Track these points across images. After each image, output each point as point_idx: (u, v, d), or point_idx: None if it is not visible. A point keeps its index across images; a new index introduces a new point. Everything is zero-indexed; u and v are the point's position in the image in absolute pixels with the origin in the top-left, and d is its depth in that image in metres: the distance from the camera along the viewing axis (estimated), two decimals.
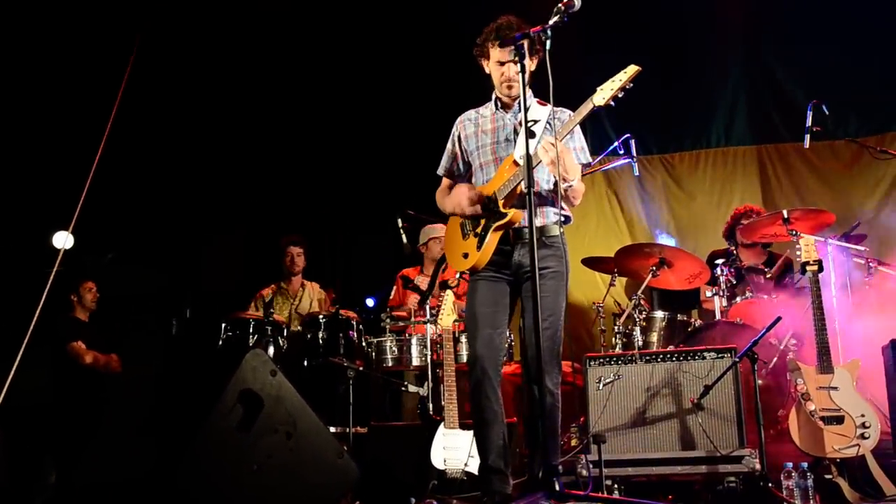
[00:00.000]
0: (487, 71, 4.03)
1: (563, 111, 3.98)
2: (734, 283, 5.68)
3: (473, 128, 4.10)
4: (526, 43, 3.58)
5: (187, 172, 7.00)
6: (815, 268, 4.65)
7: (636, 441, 4.58)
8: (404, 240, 5.46)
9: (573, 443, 5.06)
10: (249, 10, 6.71)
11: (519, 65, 3.57)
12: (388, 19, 7.07)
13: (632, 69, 3.64)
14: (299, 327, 6.00)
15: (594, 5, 3.55)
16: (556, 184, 3.72)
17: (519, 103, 3.75)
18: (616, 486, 4.46)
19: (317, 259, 7.05)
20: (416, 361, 5.64)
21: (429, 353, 5.44)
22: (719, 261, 5.71)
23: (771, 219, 5.43)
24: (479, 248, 3.88)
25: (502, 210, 3.83)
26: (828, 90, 5.57)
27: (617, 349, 5.42)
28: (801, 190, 6.75)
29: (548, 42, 3.50)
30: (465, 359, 5.39)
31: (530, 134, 3.65)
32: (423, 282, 5.99)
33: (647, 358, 4.74)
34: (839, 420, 4.35)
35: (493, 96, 4.09)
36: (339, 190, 7.30)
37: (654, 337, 5.61)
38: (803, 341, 5.16)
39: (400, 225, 5.45)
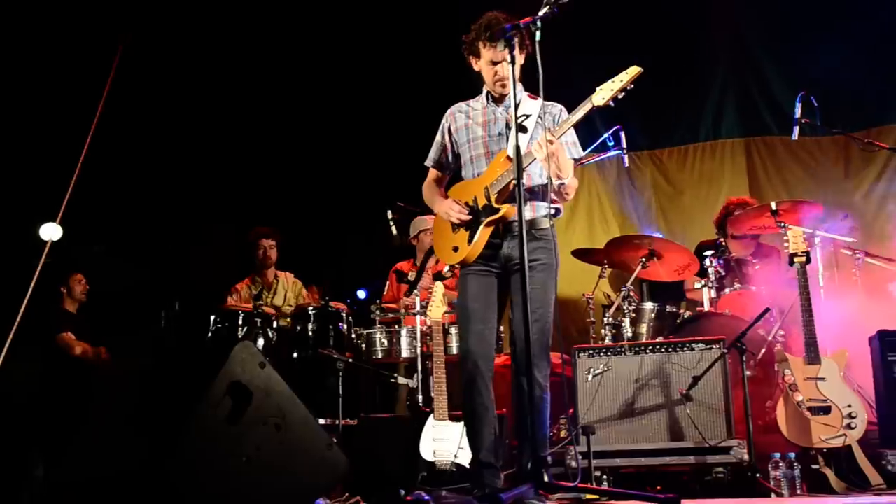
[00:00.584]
0: (477, 69, 4.00)
1: (554, 105, 3.99)
2: (723, 274, 5.69)
3: (465, 120, 4.09)
4: (516, 37, 3.58)
5: (178, 164, 6.96)
6: (803, 259, 4.67)
7: (625, 432, 4.60)
8: (394, 232, 5.47)
9: (562, 434, 5.08)
10: (239, 3, 6.69)
11: (509, 56, 3.56)
12: (375, 9, 7.05)
13: (633, 70, 3.63)
14: (288, 320, 5.99)
15: (584, 2, 3.54)
16: (549, 179, 3.73)
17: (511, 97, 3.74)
18: (605, 477, 4.49)
19: (306, 252, 7.03)
20: (405, 353, 5.65)
21: (419, 344, 5.44)
22: (708, 252, 5.73)
23: (759, 210, 5.45)
24: (469, 242, 3.89)
25: (495, 205, 3.84)
26: (816, 84, 5.58)
27: (607, 341, 5.43)
28: (788, 182, 6.78)
29: (538, 34, 3.49)
30: (454, 350, 5.40)
31: (522, 129, 3.65)
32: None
33: (636, 349, 4.75)
34: (826, 410, 4.38)
35: (484, 90, 4.08)
36: (329, 182, 7.28)
37: (644, 328, 5.62)
38: (791, 332, 5.18)
39: (389, 217, 5.46)
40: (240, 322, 5.72)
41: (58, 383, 5.92)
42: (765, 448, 4.36)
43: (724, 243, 5.98)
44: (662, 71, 6.65)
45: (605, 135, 5.71)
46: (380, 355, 5.73)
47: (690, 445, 4.45)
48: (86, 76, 5.65)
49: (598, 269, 6.00)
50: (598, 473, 4.45)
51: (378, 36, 7.11)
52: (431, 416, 4.79)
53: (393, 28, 7.07)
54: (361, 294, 6.36)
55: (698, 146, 7.06)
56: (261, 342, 5.70)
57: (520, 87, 3.93)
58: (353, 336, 5.82)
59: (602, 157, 5.99)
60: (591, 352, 4.81)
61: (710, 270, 5.61)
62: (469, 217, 3.90)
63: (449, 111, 4.17)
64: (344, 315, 5.81)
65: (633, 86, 3.62)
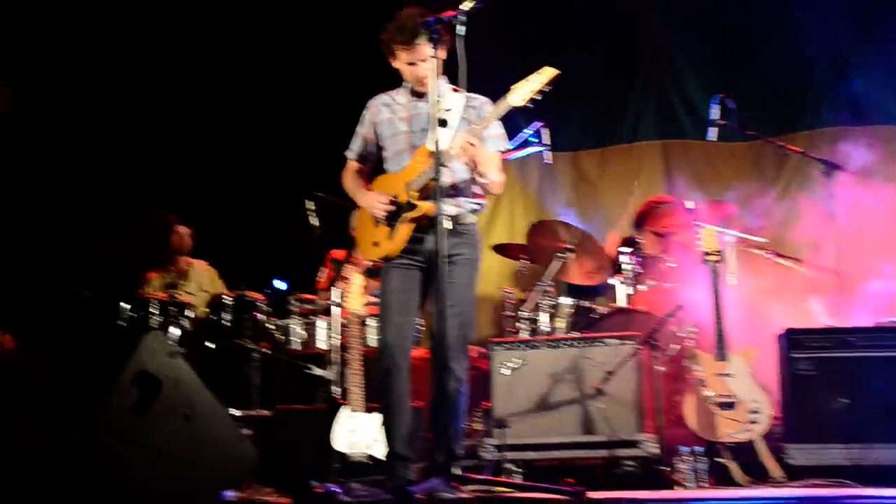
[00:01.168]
0: (395, 66, 3.97)
1: (477, 98, 3.98)
2: (640, 271, 5.79)
3: (388, 114, 4.04)
4: (439, 32, 3.56)
5: (92, 150, 6.77)
6: (717, 258, 4.79)
7: (539, 425, 4.64)
8: (315, 223, 5.42)
9: (476, 427, 5.11)
10: None
11: (430, 51, 3.55)
12: None
13: (548, 72, 3.63)
14: (205, 309, 5.88)
15: (505, 3, 3.56)
16: (471, 176, 3.74)
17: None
18: (517, 469, 4.53)
19: (225, 241, 6.90)
20: (322, 345, 5.60)
21: (335, 336, 5.39)
22: (625, 249, 5.82)
23: (675, 209, 5.57)
24: (390, 238, 3.87)
25: (415, 202, 3.82)
26: (733, 89, 5.70)
27: (525, 335, 5.48)
28: (704, 184, 6.92)
29: (462, 28, 3.49)
30: (372, 342, 5.38)
31: (443, 124, 3.64)
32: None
33: (552, 344, 4.81)
34: (732, 406, 4.50)
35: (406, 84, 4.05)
36: (247, 171, 7.16)
37: (561, 323, 5.68)
38: (704, 329, 5.31)
39: (310, 207, 5.41)
40: (154, 310, 5.60)
41: None
42: (674, 442, 4.47)
43: (640, 240, 6.09)
44: (586, 74, 6.75)
45: (529, 132, 5.74)
46: (298, 346, 5.67)
47: (602, 439, 4.53)
48: None
49: (516, 265, 6.04)
50: (510, 466, 4.49)
51: (298, 22, 7.02)
52: (346, 407, 4.75)
53: (314, 14, 6.99)
54: (280, 284, 6.26)
55: (616, 149, 7.15)
56: (176, 331, 5.59)
57: (444, 79, 3.92)
58: (271, 326, 5.74)
59: (524, 152, 6.02)
60: (506, 345, 4.84)
61: (627, 268, 5.70)
62: (394, 209, 3.88)
63: (371, 103, 4.12)
64: (261, 305, 5.73)
65: (550, 87, 3.62)
